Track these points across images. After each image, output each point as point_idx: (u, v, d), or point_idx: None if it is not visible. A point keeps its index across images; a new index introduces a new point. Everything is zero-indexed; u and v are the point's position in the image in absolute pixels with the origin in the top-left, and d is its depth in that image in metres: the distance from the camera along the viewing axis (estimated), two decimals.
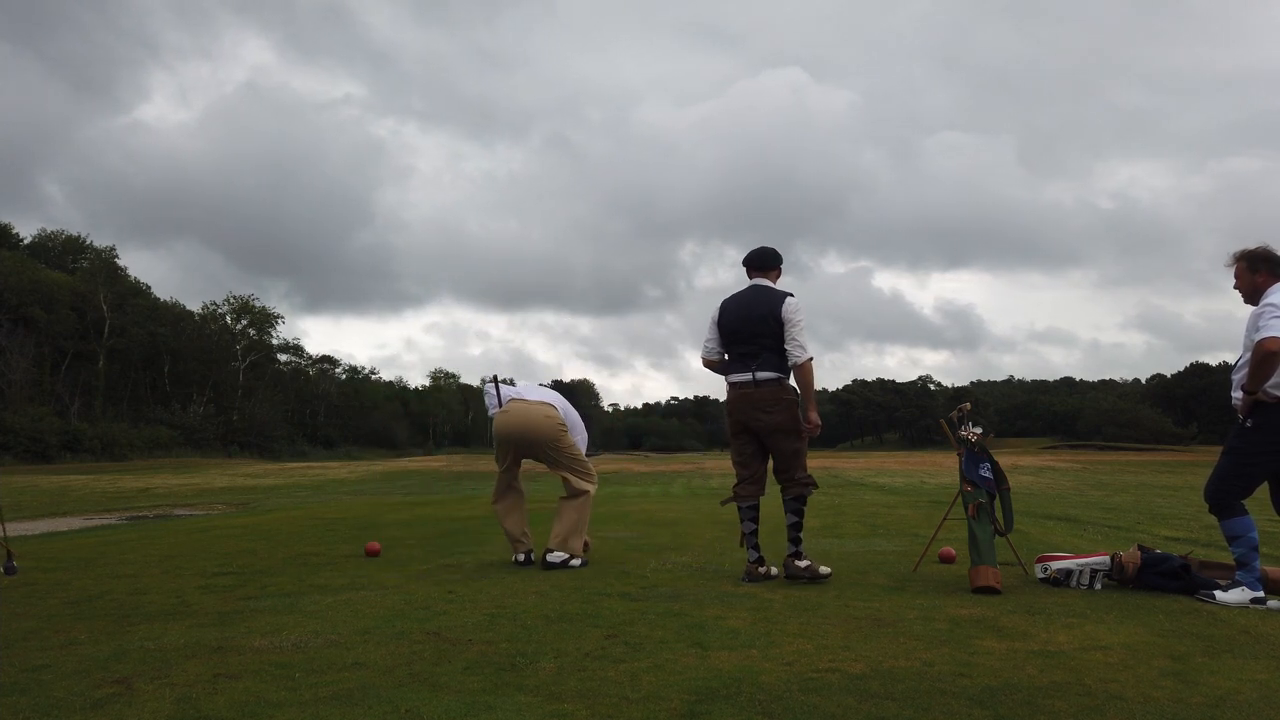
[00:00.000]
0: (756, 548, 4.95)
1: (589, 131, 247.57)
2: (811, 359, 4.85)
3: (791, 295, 4.95)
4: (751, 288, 5.08)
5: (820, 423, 4.95)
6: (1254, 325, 4.23)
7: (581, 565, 5.45)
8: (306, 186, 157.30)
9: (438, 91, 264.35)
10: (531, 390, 5.75)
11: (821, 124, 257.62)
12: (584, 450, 5.77)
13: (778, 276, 5.16)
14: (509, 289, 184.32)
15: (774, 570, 4.92)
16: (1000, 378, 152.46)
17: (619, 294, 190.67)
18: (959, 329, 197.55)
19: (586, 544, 5.75)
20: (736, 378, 4.96)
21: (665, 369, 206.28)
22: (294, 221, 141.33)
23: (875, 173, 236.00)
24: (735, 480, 5.07)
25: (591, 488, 5.66)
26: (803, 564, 4.79)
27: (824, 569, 4.83)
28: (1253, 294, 4.37)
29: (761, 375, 4.87)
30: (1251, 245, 4.44)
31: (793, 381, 4.96)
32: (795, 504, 4.87)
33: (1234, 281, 4.48)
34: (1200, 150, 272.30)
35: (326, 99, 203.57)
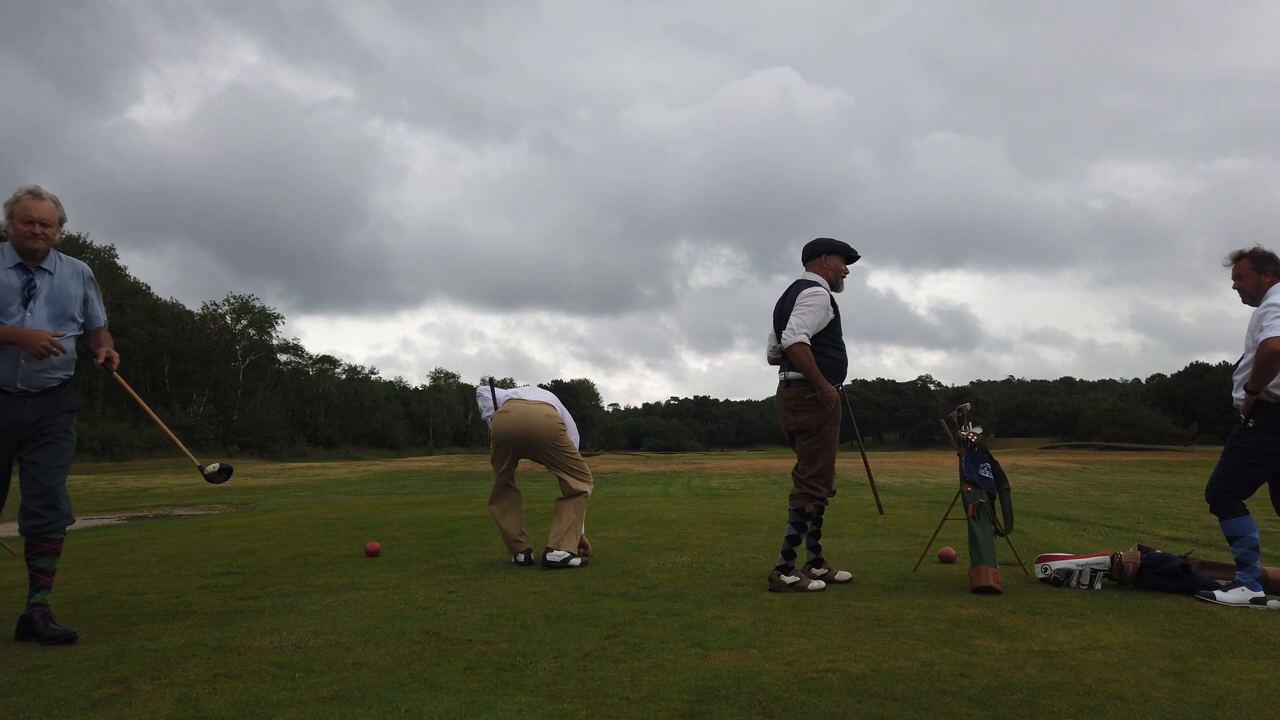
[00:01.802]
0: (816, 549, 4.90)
1: (579, 132, 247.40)
2: (801, 342, 4.48)
3: (813, 283, 4.66)
4: (791, 284, 4.83)
5: (833, 394, 4.56)
6: (1257, 325, 4.22)
7: (581, 565, 5.46)
8: (299, 187, 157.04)
9: (425, 93, 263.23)
10: (528, 390, 5.77)
11: (811, 124, 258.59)
12: (578, 448, 5.80)
13: (822, 268, 4.80)
14: (504, 289, 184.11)
15: (842, 573, 4.90)
16: (998, 378, 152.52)
17: (614, 294, 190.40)
18: (954, 329, 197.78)
19: (587, 547, 5.76)
20: (779, 377, 4.83)
21: (662, 369, 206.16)
22: (287, 222, 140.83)
23: (866, 173, 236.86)
24: None
25: (588, 488, 5.68)
26: (789, 579, 4.52)
27: (814, 584, 4.57)
28: (1256, 294, 4.36)
29: (790, 376, 4.70)
30: (1247, 246, 4.43)
31: None
32: (794, 515, 4.64)
33: (1233, 281, 4.47)
34: (1190, 151, 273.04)
35: (314, 100, 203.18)
